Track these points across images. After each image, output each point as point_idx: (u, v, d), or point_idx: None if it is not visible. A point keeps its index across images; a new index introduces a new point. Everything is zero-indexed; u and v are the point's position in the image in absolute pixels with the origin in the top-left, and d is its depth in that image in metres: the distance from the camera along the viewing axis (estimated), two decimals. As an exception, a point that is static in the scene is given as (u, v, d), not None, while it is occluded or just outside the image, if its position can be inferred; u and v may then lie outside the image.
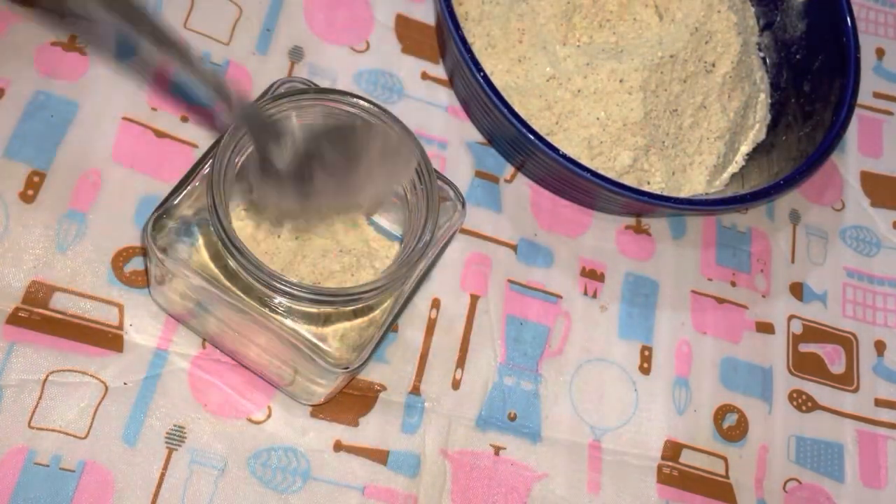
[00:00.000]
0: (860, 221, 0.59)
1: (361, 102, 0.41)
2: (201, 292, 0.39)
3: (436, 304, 0.49)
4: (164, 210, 0.39)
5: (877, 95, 0.63)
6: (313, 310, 0.39)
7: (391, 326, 0.41)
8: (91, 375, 0.43)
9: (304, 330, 0.39)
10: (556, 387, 0.49)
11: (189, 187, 0.40)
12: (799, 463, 0.51)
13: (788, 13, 0.57)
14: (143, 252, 0.46)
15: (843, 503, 0.50)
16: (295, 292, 0.37)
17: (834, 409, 0.53)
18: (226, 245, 0.37)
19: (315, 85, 0.42)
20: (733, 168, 0.55)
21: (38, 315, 0.44)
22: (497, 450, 0.47)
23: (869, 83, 0.63)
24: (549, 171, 0.51)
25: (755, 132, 0.56)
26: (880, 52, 0.65)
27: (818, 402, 0.53)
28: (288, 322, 0.39)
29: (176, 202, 0.39)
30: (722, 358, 0.52)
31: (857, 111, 0.62)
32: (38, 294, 0.44)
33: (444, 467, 0.46)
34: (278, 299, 0.38)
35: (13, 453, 0.41)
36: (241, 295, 0.39)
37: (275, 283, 0.37)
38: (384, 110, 0.41)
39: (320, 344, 0.39)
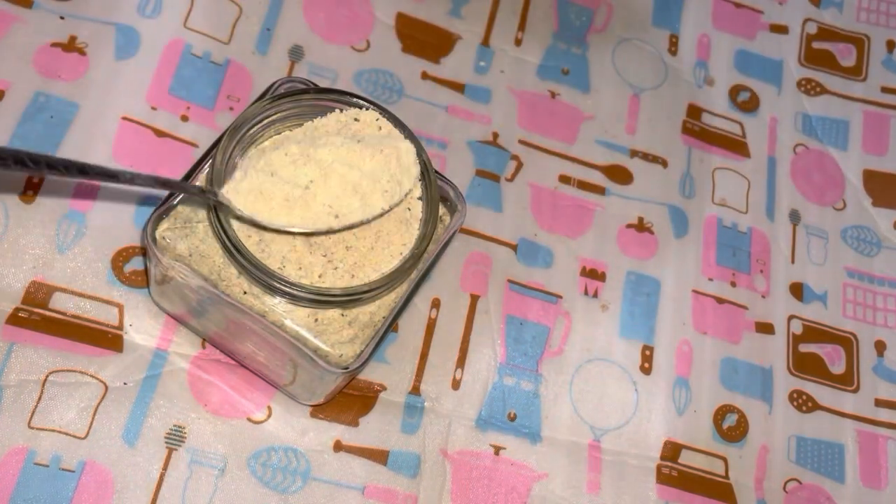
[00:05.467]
0: (861, 221, 0.58)
1: (361, 102, 0.41)
2: (201, 292, 0.39)
3: (436, 304, 0.49)
4: (164, 210, 0.39)
5: (885, 90, 0.63)
6: (313, 310, 0.39)
7: (391, 326, 0.41)
8: (91, 375, 0.43)
9: (304, 330, 0.39)
10: (556, 387, 0.49)
11: None
12: (799, 463, 0.51)
13: None
14: (143, 252, 0.46)
15: (843, 503, 0.50)
16: (294, 293, 0.37)
17: (834, 409, 0.53)
18: (226, 245, 0.37)
19: (315, 85, 0.42)
20: None
21: (37, 315, 0.44)
22: (497, 450, 0.47)
23: (878, 77, 0.63)
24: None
25: None
26: (891, 45, 0.64)
27: (818, 402, 0.53)
28: (288, 322, 0.39)
29: (176, 202, 0.39)
30: (722, 358, 0.52)
31: (863, 107, 0.62)
32: (37, 294, 0.44)
33: (444, 467, 0.46)
34: (278, 299, 0.38)
35: (13, 453, 0.41)
36: (241, 295, 0.39)
37: (274, 283, 0.37)
38: (384, 110, 0.41)
39: (320, 344, 0.39)
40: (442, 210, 0.42)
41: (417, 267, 0.40)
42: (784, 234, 0.57)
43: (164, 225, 0.39)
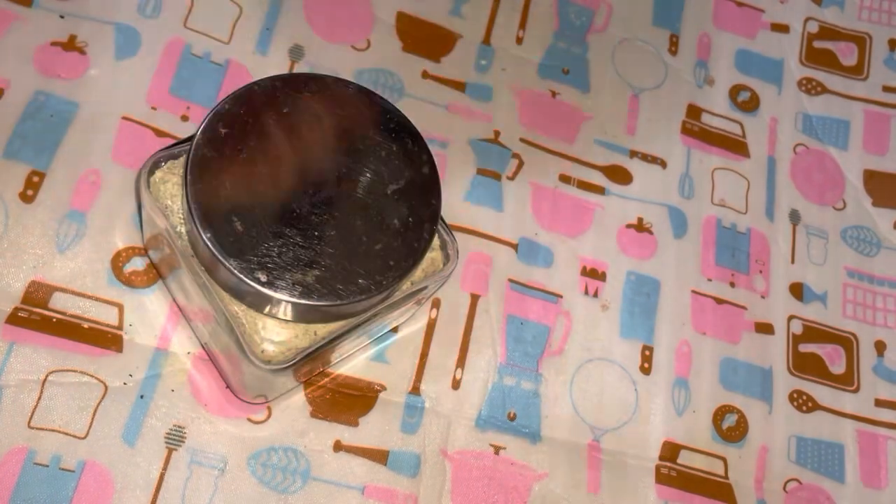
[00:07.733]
0: (861, 221, 0.58)
1: None
2: (165, 237, 0.38)
3: (436, 303, 0.49)
4: (162, 156, 0.38)
5: (887, 89, 0.62)
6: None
7: (332, 343, 0.38)
8: (91, 375, 0.43)
9: (245, 314, 0.37)
10: (556, 387, 0.49)
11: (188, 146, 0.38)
12: (799, 463, 0.51)
13: None
14: (144, 252, 0.46)
15: (843, 503, 0.50)
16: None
17: (834, 409, 0.53)
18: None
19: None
20: None
21: (37, 315, 0.44)
22: (497, 450, 0.47)
23: (879, 76, 0.63)
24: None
25: None
26: (893, 44, 0.64)
27: (818, 402, 0.53)
28: (235, 305, 0.37)
29: (177, 152, 0.38)
30: (721, 358, 0.52)
31: (864, 107, 0.62)
32: (37, 294, 0.44)
33: (444, 467, 0.46)
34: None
35: (13, 453, 0.41)
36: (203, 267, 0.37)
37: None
38: None
39: (253, 333, 0.37)
40: (435, 252, 0.40)
41: (376, 306, 0.38)
42: (784, 234, 0.57)
43: (158, 173, 0.38)
